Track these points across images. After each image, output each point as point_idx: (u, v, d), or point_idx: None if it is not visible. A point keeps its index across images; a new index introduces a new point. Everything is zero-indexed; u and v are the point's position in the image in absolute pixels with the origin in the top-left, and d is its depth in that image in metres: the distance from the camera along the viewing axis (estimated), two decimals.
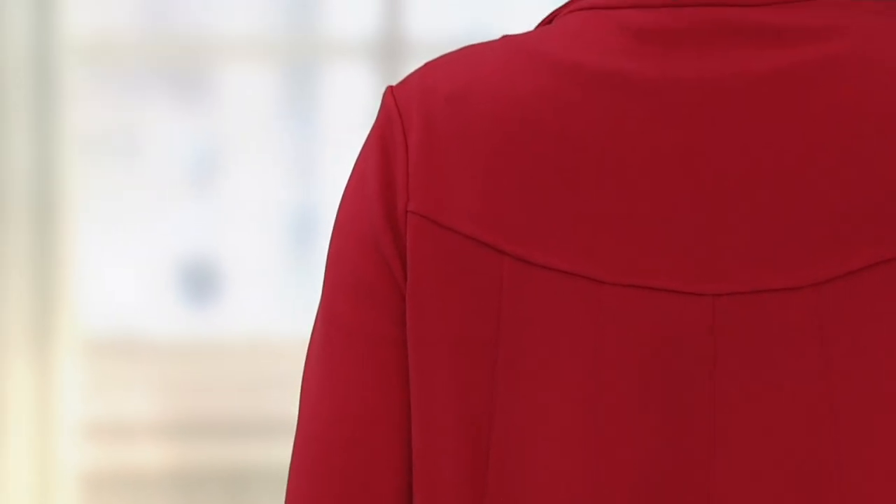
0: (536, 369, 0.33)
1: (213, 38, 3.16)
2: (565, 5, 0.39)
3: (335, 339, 0.37)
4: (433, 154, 0.36)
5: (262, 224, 3.12)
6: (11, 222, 3.05)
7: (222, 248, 3.13)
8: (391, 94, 0.39)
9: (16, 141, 3.06)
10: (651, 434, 0.32)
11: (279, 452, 3.08)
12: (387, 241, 0.36)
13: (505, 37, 0.39)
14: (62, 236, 3.07)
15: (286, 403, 3.10)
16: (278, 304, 3.12)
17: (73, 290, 3.09)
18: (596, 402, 0.32)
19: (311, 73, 3.19)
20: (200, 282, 3.14)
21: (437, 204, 0.35)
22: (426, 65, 0.39)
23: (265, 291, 3.12)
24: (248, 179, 3.12)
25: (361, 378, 0.36)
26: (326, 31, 3.20)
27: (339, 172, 3.14)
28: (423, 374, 0.35)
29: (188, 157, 3.13)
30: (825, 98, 0.33)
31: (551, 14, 0.39)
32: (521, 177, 0.34)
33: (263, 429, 3.12)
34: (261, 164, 3.12)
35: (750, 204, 0.32)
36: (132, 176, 3.11)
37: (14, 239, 3.06)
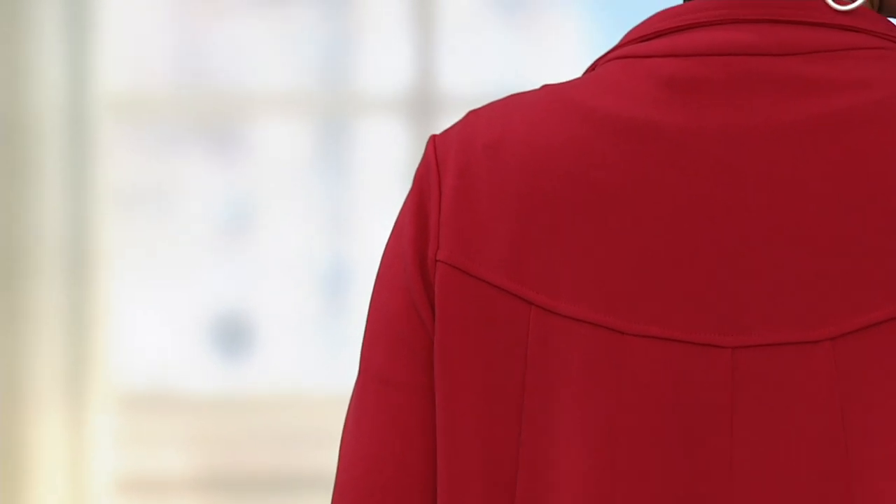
0: (560, 418, 0.34)
1: (247, 93, 3.17)
2: (606, 54, 0.40)
3: (369, 387, 0.38)
4: (465, 202, 0.36)
5: (294, 278, 3.13)
6: (46, 276, 3.06)
7: (255, 302, 3.13)
8: (432, 142, 0.40)
9: (51, 195, 3.08)
10: (670, 483, 0.33)
11: None
12: (418, 289, 0.37)
13: (546, 86, 0.40)
14: (96, 290, 3.07)
15: (318, 457, 3.09)
16: (311, 358, 3.12)
17: (107, 344, 3.09)
18: (616, 451, 0.32)
19: (344, 128, 3.20)
20: (233, 336, 3.14)
21: (465, 253, 0.36)
22: (469, 113, 0.40)
23: (298, 345, 3.12)
24: (282, 234, 3.13)
25: (393, 427, 0.37)
26: (359, 85, 3.21)
27: (372, 226, 3.14)
28: (449, 421, 0.35)
29: (222, 211, 3.14)
30: (850, 150, 0.33)
31: (595, 62, 0.40)
32: (548, 226, 0.35)
33: (296, 483, 3.12)
34: (294, 219, 3.12)
35: (770, 256, 0.32)
36: (166, 230, 3.12)
37: (48, 293, 3.07)
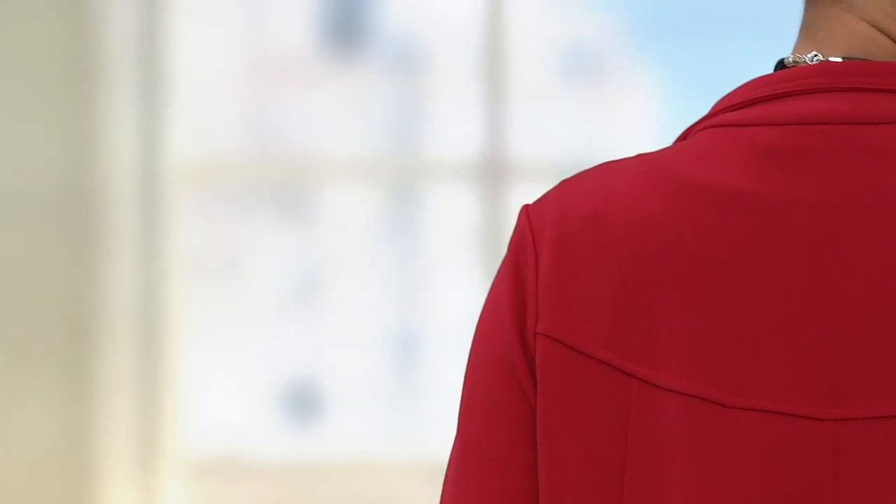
0: (662, 493, 0.33)
1: (318, 160, 3.18)
2: (698, 122, 0.39)
3: (467, 457, 0.38)
4: (564, 275, 0.36)
5: (364, 345, 3.13)
6: (118, 343, 3.08)
7: (325, 368, 3.14)
8: (525, 213, 0.39)
9: (123, 261, 3.09)
10: None
11: None
12: (519, 361, 0.37)
13: (640, 155, 0.39)
14: (167, 357, 3.09)
15: None
16: (381, 424, 3.13)
17: (178, 411, 3.10)
18: None
19: (414, 194, 3.22)
20: (304, 402, 3.15)
21: (566, 325, 0.36)
22: (562, 183, 0.40)
23: (368, 412, 3.12)
24: (352, 300, 3.14)
25: (491, 498, 0.37)
26: (429, 152, 3.22)
27: (441, 293, 3.15)
28: (552, 496, 0.35)
29: (293, 277, 3.15)
30: None
31: (686, 130, 0.40)
32: (650, 298, 0.35)
33: None
34: (364, 285, 3.13)
35: (872, 327, 0.32)
36: (237, 296, 3.14)
37: (120, 359, 3.08)
